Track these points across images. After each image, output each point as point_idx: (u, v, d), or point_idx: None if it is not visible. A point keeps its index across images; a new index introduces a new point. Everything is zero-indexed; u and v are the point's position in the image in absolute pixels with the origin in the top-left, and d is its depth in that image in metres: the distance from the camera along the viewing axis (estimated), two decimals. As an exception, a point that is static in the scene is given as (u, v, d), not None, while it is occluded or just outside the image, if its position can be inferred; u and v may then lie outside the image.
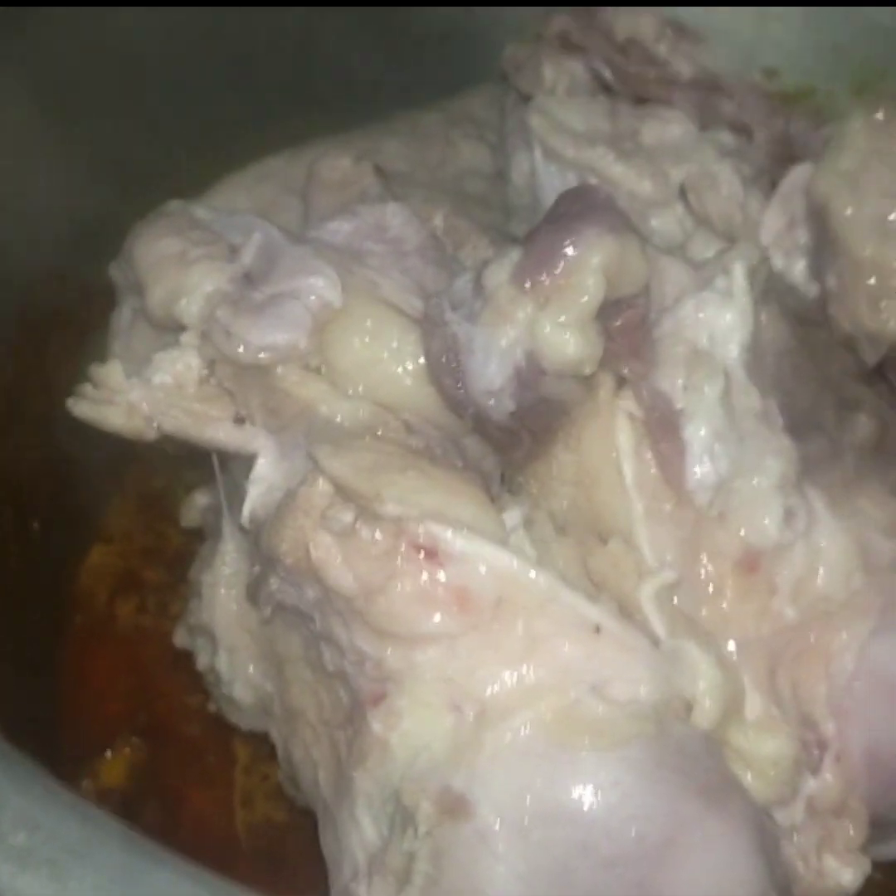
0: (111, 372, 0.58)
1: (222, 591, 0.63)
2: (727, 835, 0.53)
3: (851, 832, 0.59)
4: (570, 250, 0.52)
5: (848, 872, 0.59)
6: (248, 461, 0.59)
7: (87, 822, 0.42)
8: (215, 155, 0.71)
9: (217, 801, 0.74)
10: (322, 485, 0.54)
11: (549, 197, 0.60)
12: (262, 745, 0.72)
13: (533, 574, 0.53)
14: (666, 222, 0.64)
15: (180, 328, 0.58)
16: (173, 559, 0.78)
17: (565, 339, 0.52)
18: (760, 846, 0.54)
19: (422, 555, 0.53)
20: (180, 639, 0.67)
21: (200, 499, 0.70)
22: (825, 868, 0.59)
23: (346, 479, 0.53)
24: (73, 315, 0.75)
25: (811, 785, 0.59)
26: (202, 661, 0.65)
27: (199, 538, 0.70)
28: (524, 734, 0.53)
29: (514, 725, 0.53)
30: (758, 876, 0.53)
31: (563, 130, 0.63)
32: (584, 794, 0.52)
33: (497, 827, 0.52)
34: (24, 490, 0.74)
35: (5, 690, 0.67)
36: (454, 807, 0.53)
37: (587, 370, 0.53)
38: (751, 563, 0.58)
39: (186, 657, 0.68)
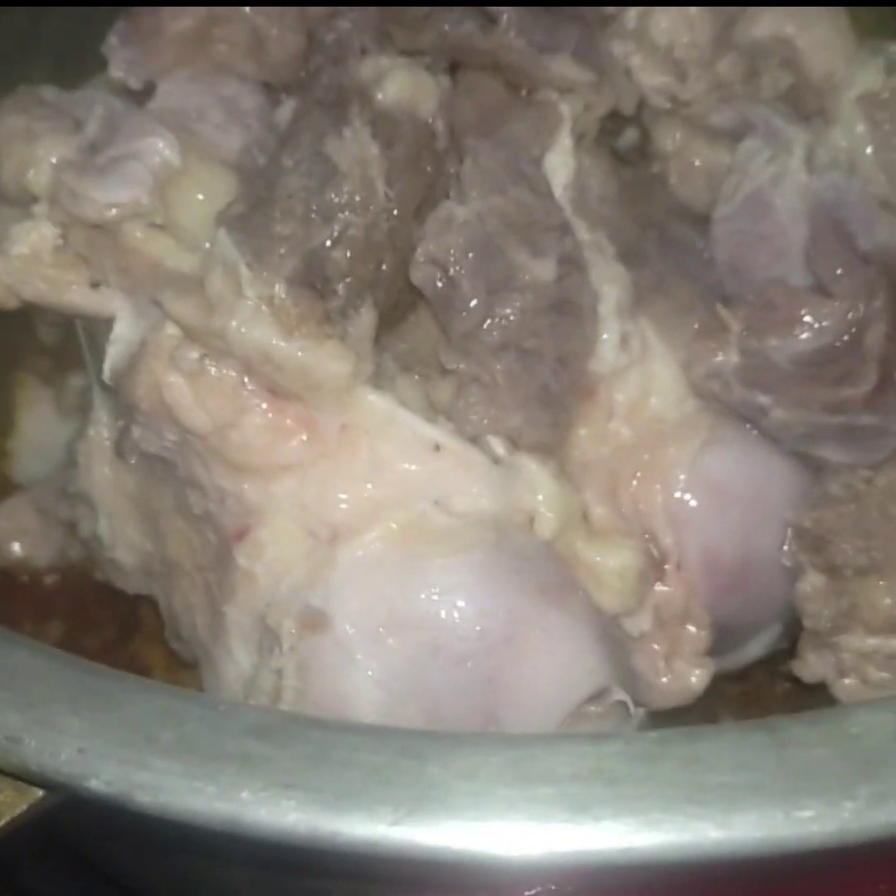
0: (-34, 256, 0.61)
1: (96, 456, 0.66)
2: (566, 628, 0.57)
3: (696, 636, 0.64)
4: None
5: (695, 674, 0.63)
6: (108, 326, 0.63)
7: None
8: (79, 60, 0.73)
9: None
10: (169, 328, 0.57)
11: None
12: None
13: (371, 397, 0.57)
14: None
15: (33, 200, 0.62)
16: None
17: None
18: (601, 639, 0.58)
19: (267, 387, 0.57)
20: (63, 510, 0.70)
21: (75, 380, 0.73)
22: (674, 672, 0.63)
23: (190, 319, 0.56)
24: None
25: (655, 594, 0.63)
26: (85, 529, 0.69)
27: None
28: (374, 549, 0.57)
29: (364, 542, 0.57)
30: (599, 666, 0.57)
31: None
32: (431, 598, 0.56)
33: (354, 636, 0.56)
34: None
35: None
36: (314, 621, 0.56)
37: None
38: (590, 388, 0.62)
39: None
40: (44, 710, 0.42)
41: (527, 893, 0.42)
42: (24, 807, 0.43)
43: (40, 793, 0.43)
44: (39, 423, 0.81)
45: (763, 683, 0.73)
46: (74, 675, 0.43)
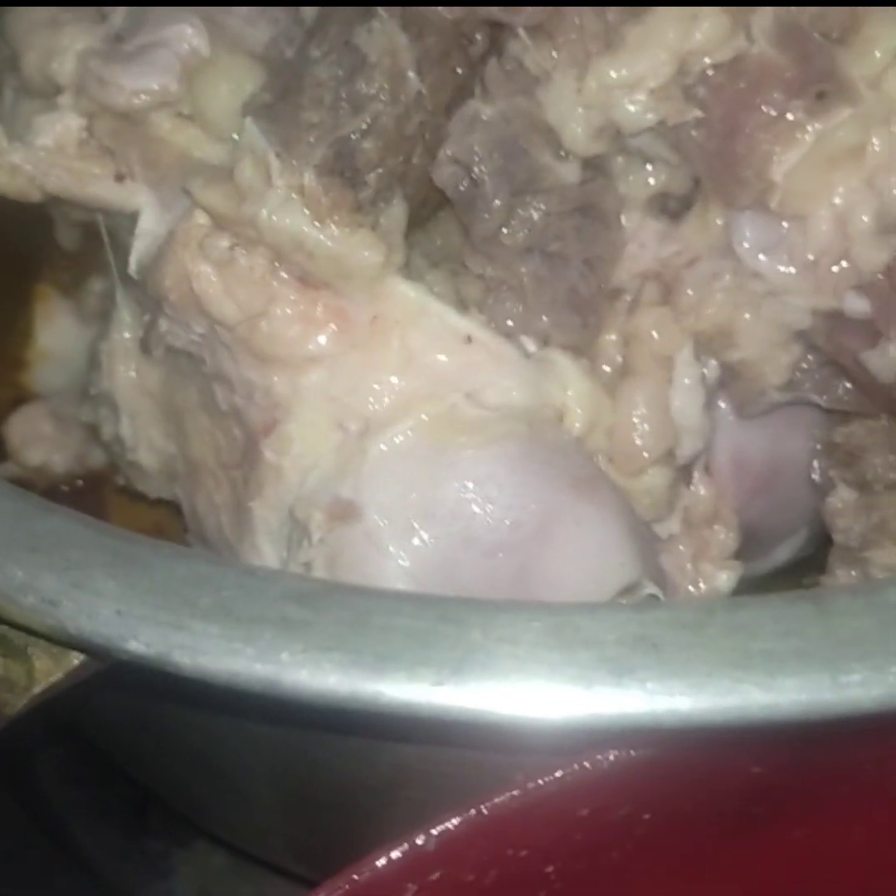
0: (-8, 135, 0.61)
1: (120, 357, 0.66)
2: (599, 520, 0.57)
3: (724, 539, 0.63)
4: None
5: (723, 575, 0.63)
6: (131, 222, 0.62)
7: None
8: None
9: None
10: (199, 216, 0.57)
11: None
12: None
13: (403, 287, 0.57)
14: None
15: (57, 91, 0.61)
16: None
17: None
18: (633, 532, 0.58)
19: (297, 277, 0.57)
20: (85, 414, 0.70)
21: (95, 285, 0.72)
22: (702, 574, 0.63)
23: (220, 206, 0.56)
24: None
25: (684, 496, 0.63)
26: (107, 432, 0.68)
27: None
28: (404, 440, 0.56)
29: (394, 433, 0.56)
30: (631, 558, 0.57)
31: None
32: (462, 489, 0.55)
33: (385, 527, 0.55)
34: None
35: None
36: (343, 512, 0.56)
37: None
38: (617, 294, 0.61)
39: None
40: (80, 573, 0.42)
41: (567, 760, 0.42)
42: (61, 674, 0.42)
43: (76, 660, 0.43)
44: (58, 334, 0.80)
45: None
46: (110, 541, 0.43)
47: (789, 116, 0.57)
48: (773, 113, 0.57)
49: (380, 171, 0.56)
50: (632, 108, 0.57)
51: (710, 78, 0.58)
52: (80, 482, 0.77)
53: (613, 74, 0.57)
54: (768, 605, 0.41)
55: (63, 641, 0.42)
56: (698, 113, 0.57)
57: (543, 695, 0.39)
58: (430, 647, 0.40)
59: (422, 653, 0.40)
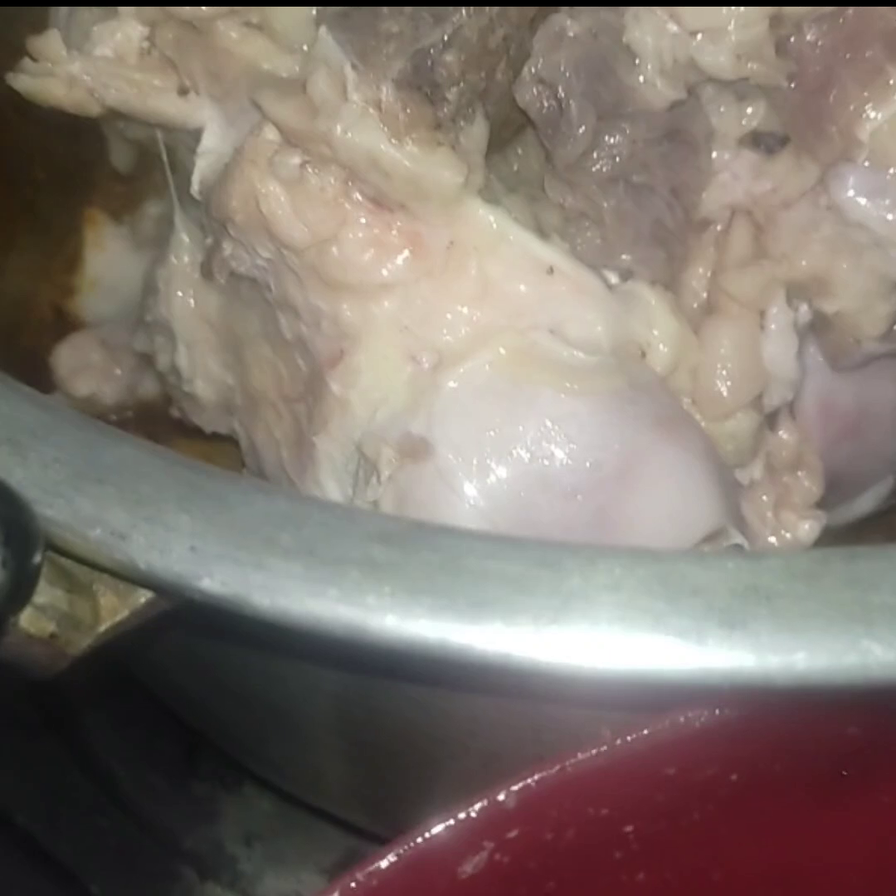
0: (50, 42, 0.57)
1: (178, 282, 0.63)
2: (683, 462, 0.54)
3: (808, 486, 0.60)
4: None
5: (805, 525, 0.60)
6: (193, 139, 0.59)
7: (45, 409, 0.43)
8: None
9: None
10: (268, 132, 0.54)
11: None
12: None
13: (482, 211, 0.54)
14: None
15: (117, -1, 0.58)
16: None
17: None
18: (717, 477, 0.55)
19: (371, 199, 0.53)
20: (139, 343, 0.67)
21: (151, 208, 0.69)
22: (783, 523, 0.60)
23: (292, 121, 0.53)
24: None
25: (768, 442, 0.60)
26: (162, 361, 0.65)
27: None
28: (481, 375, 0.53)
29: (470, 368, 0.53)
30: (716, 505, 0.54)
31: None
32: (541, 427, 0.52)
33: (458, 465, 0.53)
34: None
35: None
36: (415, 449, 0.53)
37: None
38: (706, 223, 0.58)
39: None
40: (152, 507, 0.39)
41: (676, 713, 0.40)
42: (127, 612, 0.40)
43: (143, 599, 0.40)
44: (109, 260, 0.78)
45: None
46: (185, 473, 0.40)
47: (887, 75, 0.53)
48: (869, 69, 0.54)
49: (461, 86, 0.53)
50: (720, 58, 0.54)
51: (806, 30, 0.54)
52: (129, 413, 0.75)
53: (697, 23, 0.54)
54: (887, 556, 0.38)
55: (132, 578, 0.39)
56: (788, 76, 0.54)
57: (650, 647, 0.36)
58: (528, 594, 0.37)
59: (519, 599, 0.37)
